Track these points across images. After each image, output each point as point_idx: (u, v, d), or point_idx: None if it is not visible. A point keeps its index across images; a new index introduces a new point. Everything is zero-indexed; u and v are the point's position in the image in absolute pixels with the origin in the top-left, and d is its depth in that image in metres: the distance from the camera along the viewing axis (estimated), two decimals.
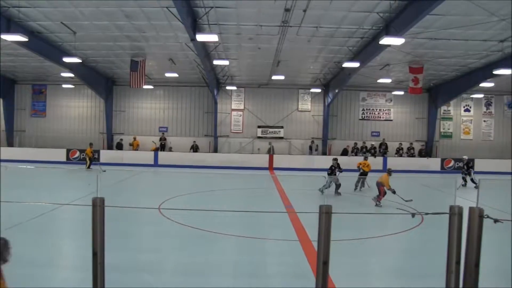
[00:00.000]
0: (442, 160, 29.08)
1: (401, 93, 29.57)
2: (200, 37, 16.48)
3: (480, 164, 27.75)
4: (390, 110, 31.30)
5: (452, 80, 27.44)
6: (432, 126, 30.79)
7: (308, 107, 31.11)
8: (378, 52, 18.83)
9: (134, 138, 30.51)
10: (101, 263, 3.66)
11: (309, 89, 30.55)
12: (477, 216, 2.76)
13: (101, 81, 29.27)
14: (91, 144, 26.53)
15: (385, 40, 15.65)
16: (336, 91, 27.83)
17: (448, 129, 31.71)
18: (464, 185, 20.87)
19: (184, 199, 14.73)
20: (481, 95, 31.12)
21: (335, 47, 20.44)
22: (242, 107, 31.00)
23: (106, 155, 28.53)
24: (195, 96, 31.04)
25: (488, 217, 2.76)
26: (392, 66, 23.80)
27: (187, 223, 10.55)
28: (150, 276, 6.87)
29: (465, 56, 21.51)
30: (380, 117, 31.28)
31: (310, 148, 30.31)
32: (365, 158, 18.79)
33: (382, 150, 29.81)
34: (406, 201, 13.45)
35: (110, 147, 30.59)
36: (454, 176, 21.02)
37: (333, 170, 16.93)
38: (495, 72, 21.01)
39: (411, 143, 30.53)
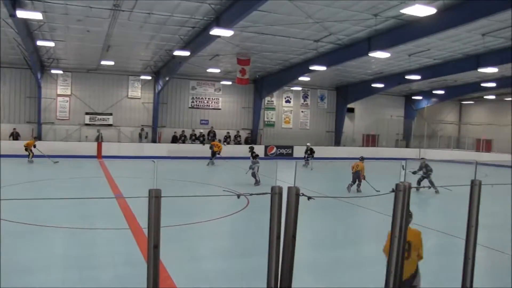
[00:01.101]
0: (266, 147, 31.13)
1: (229, 83, 30.81)
2: (20, 14, 14.87)
3: (299, 151, 30.55)
4: (218, 99, 32.34)
5: (275, 73, 29.46)
6: (257, 115, 32.71)
7: (138, 94, 30.44)
8: (209, 42, 19.29)
9: None
10: None
11: (140, 76, 29.92)
12: (294, 194, 3.13)
13: None
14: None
15: (215, 31, 16.12)
16: (167, 79, 27.78)
17: (271, 118, 34.05)
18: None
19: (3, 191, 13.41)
20: (299, 88, 34.15)
21: (167, 35, 20.36)
22: (69, 93, 28.84)
23: None
24: (16, 79, 27.65)
25: (303, 195, 3.15)
26: (221, 56, 24.61)
27: (7, 218, 9.63)
28: None
29: (287, 52, 23.33)
30: (209, 105, 32.12)
31: (140, 135, 29.82)
32: (362, 160, 17.66)
33: (211, 137, 30.64)
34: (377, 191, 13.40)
35: None
36: (275, 162, 22.72)
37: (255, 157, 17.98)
38: (311, 68, 23.38)
39: (238, 131, 32.06)
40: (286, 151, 31.58)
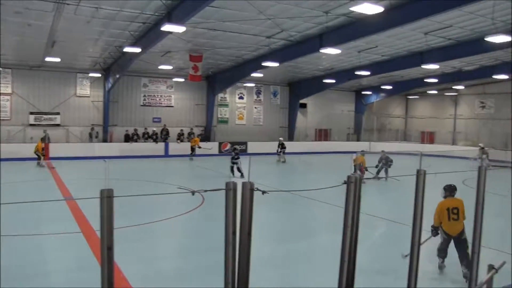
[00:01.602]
0: (220, 144, 31.06)
1: (182, 80, 30.44)
2: None
3: (253, 146, 30.75)
4: (171, 96, 31.91)
5: (228, 69, 29.40)
6: (211, 112, 32.55)
7: (87, 93, 29.45)
8: (160, 38, 19.00)
9: None
10: None
11: (88, 73, 28.98)
12: (249, 189, 3.12)
13: None
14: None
15: (166, 27, 15.80)
16: (117, 76, 27.13)
17: (225, 115, 33.99)
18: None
19: None
20: (252, 84, 34.25)
21: (116, 30, 19.88)
22: (9, 91, 27.29)
23: None
24: None
25: (257, 189, 3.15)
26: (174, 53, 24.32)
27: None
28: None
29: (239, 48, 23.31)
30: (161, 103, 31.65)
31: (90, 135, 28.94)
32: (363, 154, 19.60)
33: (163, 136, 30.25)
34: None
35: None
36: (248, 157, 22.81)
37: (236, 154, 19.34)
38: (264, 64, 23.50)
39: (192, 129, 31.79)
40: (240, 147, 31.58)
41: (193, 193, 3.57)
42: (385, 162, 19.08)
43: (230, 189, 3.07)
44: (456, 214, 7.13)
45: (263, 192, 3.31)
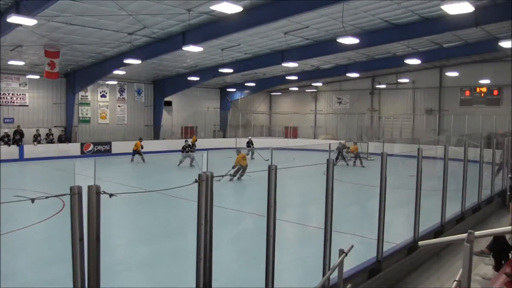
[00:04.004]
0: (82, 145, 29.63)
1: (37, 77, 28.36)
2: None
3: (117, 146, 29.90)
4: (25, 95, 29.47)
5: (89, 66, 28.11)
6: (71, 111, 30.79)
7: None
8: (8, 31, 17.36)
9: None
10: None
11: None
12: (95, 193, 3.11)
13: None
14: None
15: (14, 19, 14.36)
16: None
17: (87, 114, 32.45)
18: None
19: None
20: (115, 82, 33.17)
21: None
22: None
23: None
24: None
25: (104, 192, 3.13)
26: (26, 48, 22.54)
27: None
28: None
29: (100, 44, 22.49)
30: (13, 102, 29.07)
31: None
32: (355, 143, 26.50)
33: (17, 138, 27.86)
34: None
35: None
36: (93, 159, 21.85)
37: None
38: (126, 61, 22.91)
39: (50, 129, 29.78)
40: (104, 147, 30.47)
41: (32, 200, 3.18)
42: (341, 150, 24.78)
43: (75, 193, 2.98)
44: None
45: (111, 195, 3.22)
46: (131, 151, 26.17)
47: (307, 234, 10.18)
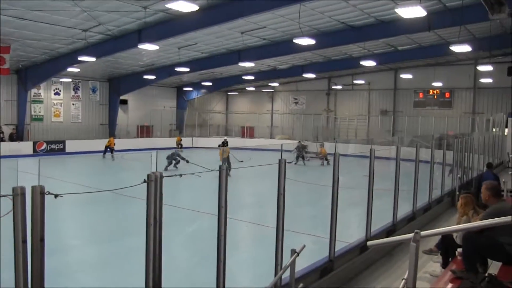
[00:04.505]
0: (34, 143, 28.71)
1: None
2: None
3: (71, 145, 29.17)
4: None
5: (42, 63, 27.30)
6: (23, 109, 29.80)
7: None
8: None
9: None
10: None
11: None
12: (39, 193, 2.98)
13: None
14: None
15: None
16: None
17: (40, 112, 31.51)
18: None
19: None
20: (69, 80, 32.34)
21: None
22: None
23: None
24: None
25: (49, 193, 3.04)
26: None
27: None
28: None
29: (53, 41, 21.90)
30: None
31: None
32: (322, 146, 27.44)
33: None
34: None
35: None
36: (47, 158, 21.15)
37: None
38: (80, 58, 22.38)
39: (1, 127, 28.75)
40: (57, 146, 29.64)
41: None
42: (300, 150, 25.78)
43: (17, 194, 2.90)
44: None
45: (56, 196, 3.11)
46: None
47: (262, 234, 10.21)
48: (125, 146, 30.70)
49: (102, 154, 27.18)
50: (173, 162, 21.03)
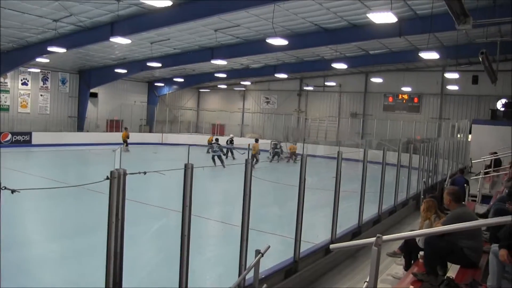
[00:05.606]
0: None
1: None
2: None
3: (38, 137, 28.54)
4: None
5: (8, 51, 26.53)
6: None
7: None
8: None
9: None
10: None
11: None
12: None
13: None
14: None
15: None
16: None
17: (6, 102, 30.69)
18: None
19: None
20: (38, 70, 31.62)
21: None
22: None
23: None
24: None
25: (5, 188, 2.92)
26: None
27: None
28: None
29: (22, 29, 21.33)
30: None
31: None
32: (294, 143, 28.59)
33: None
34: None
35: None
36: (10, 150, 20.54)
37: None
38: (50, 49, 21.84)
39: None
40: (23, 138, 28.95)
41: None
42: (277, 148, 27.10)
43: None
44: None
45: (13, 191, 3.00)
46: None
47: (229, 233, 10.19)
48: (95, 140, 30.23)
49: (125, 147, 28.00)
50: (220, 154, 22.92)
